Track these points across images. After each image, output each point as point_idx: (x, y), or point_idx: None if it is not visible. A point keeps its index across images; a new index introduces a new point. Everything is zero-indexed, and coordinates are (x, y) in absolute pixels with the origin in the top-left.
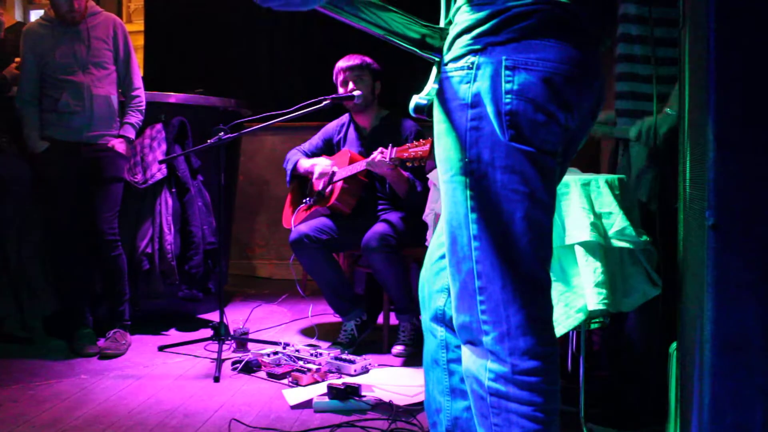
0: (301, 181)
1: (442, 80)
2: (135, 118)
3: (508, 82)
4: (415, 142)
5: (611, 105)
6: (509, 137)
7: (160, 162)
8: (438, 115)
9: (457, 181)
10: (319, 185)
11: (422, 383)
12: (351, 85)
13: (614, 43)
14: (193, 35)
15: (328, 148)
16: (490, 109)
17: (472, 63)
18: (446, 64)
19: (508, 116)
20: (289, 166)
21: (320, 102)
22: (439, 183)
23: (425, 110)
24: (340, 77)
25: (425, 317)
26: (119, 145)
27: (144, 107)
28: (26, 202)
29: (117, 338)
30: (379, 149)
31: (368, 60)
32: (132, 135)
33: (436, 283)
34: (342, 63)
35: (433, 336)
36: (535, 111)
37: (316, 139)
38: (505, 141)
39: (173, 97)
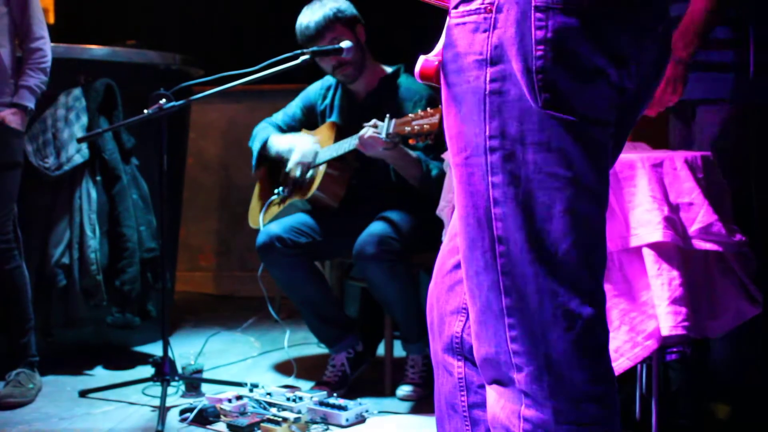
0: (273, 164)
1: (450, 29)
2: (35, 79)
3: (539, 28)
4: (421, 112)
5: None
6: (543, 103)
7: (79, 140)
8: (447, 77)
9: (474, 164)
10: (296, 172)
11: None
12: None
13: None
14: None
15: (310, 120)
16: (516, 66)
17: (491, 4)
18: (456, 7)
19: (541, 74)
20: (257, 145)
21: (297, 57)
22: (452, 166)
23: (435, 74)
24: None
25: (436, 348)
26: (11, 117)
27: (48, 64)
28: None
29: (21, 381)
30: (372, 122)
31: (329, 13)
32: (31, 103)
33: (450, 301)
34: (300, 32)
35: (449, 373)
36: (577, 66)
37: (293, 108)
38: (538, 108)
39: (96, 51)
